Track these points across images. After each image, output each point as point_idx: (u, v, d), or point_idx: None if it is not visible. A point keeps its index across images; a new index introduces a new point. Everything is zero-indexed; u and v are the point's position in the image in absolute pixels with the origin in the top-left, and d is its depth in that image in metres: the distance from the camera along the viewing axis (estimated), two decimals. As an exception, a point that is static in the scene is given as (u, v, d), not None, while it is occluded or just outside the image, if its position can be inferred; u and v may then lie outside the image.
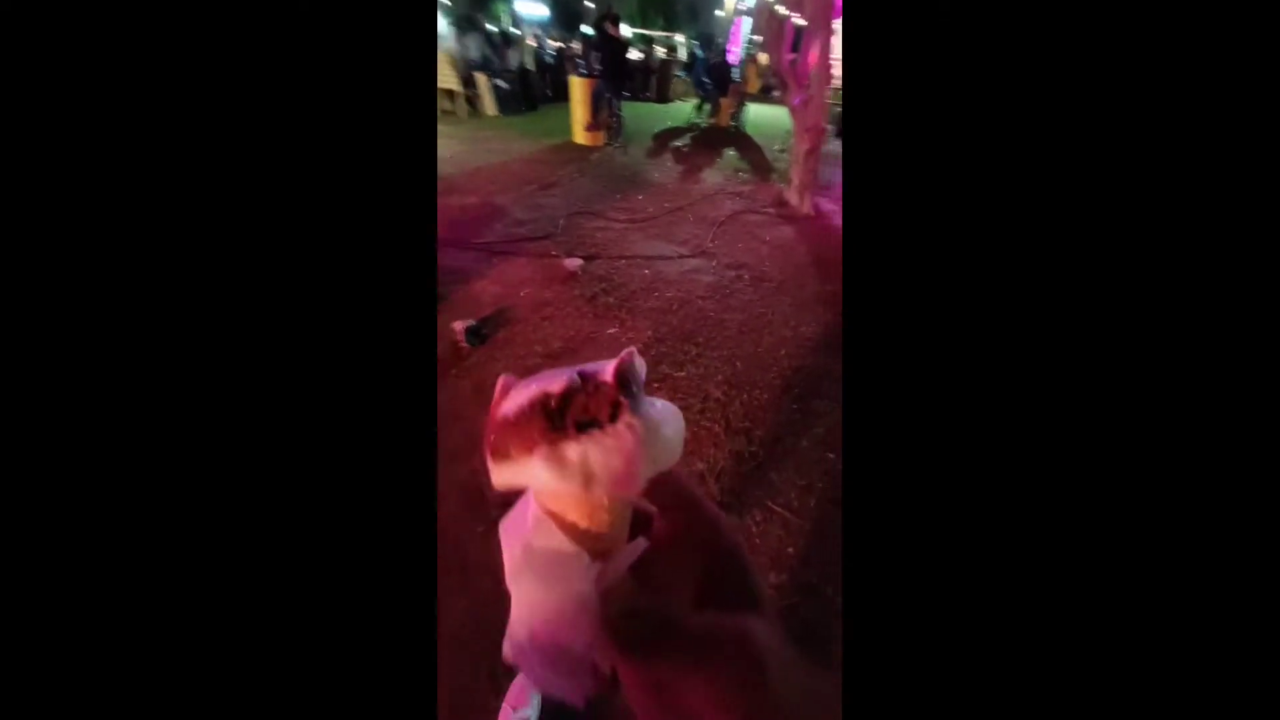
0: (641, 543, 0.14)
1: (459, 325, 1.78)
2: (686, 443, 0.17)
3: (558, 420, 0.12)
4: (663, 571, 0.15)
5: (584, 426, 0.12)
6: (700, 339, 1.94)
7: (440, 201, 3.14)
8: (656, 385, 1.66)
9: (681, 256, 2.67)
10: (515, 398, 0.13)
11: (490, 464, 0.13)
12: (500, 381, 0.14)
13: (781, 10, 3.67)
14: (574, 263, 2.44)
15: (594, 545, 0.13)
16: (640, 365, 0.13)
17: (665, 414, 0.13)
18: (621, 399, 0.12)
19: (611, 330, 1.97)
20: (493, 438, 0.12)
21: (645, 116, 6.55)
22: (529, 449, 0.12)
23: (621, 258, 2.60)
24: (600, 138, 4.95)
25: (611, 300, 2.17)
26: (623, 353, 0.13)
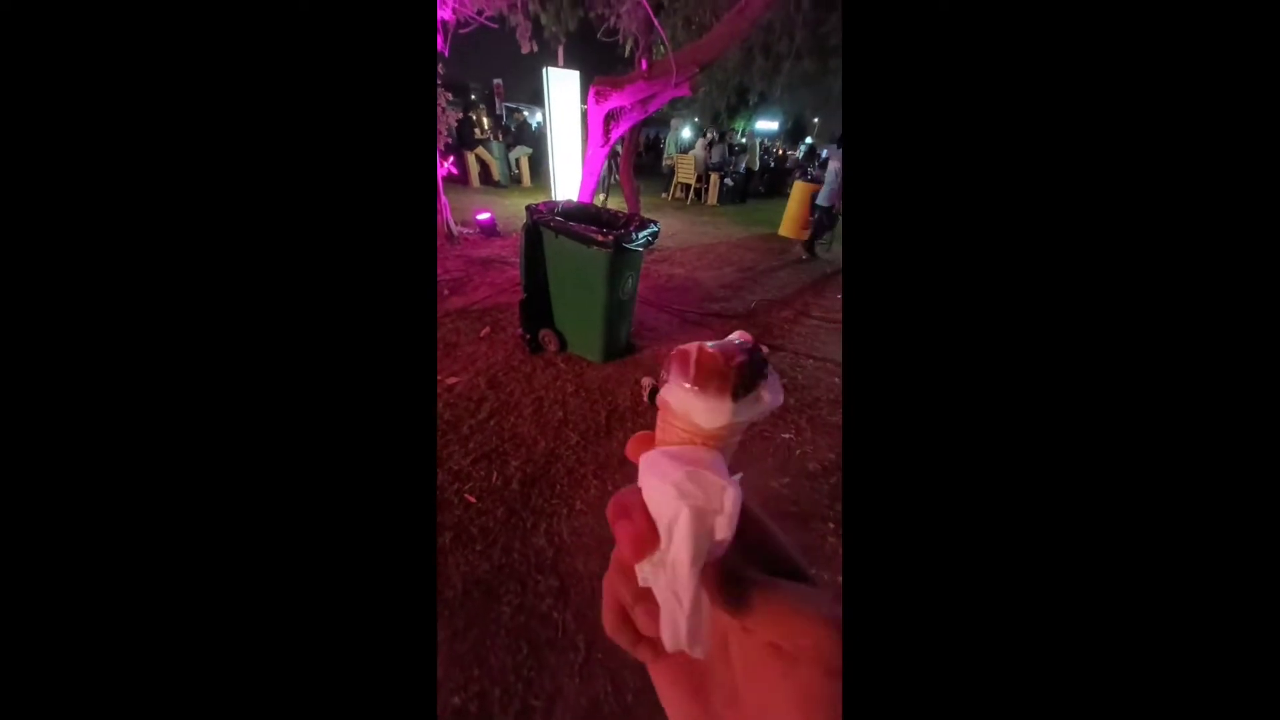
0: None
1: (648, 382, 1.96)
2: None
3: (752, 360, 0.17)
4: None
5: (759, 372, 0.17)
6: (901, 487, 1.56)
7: (652, 269, 3.73)
8: (832, 530, 1.40)
9: (882, 375, 2.32)
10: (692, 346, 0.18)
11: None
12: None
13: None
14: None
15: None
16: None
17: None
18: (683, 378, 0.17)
19: (786, 435, 1.82)
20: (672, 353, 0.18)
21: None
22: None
23: (809, 357, 2.45)
24: (807, 234, 5.07)
25: (792, 401, 2.03)
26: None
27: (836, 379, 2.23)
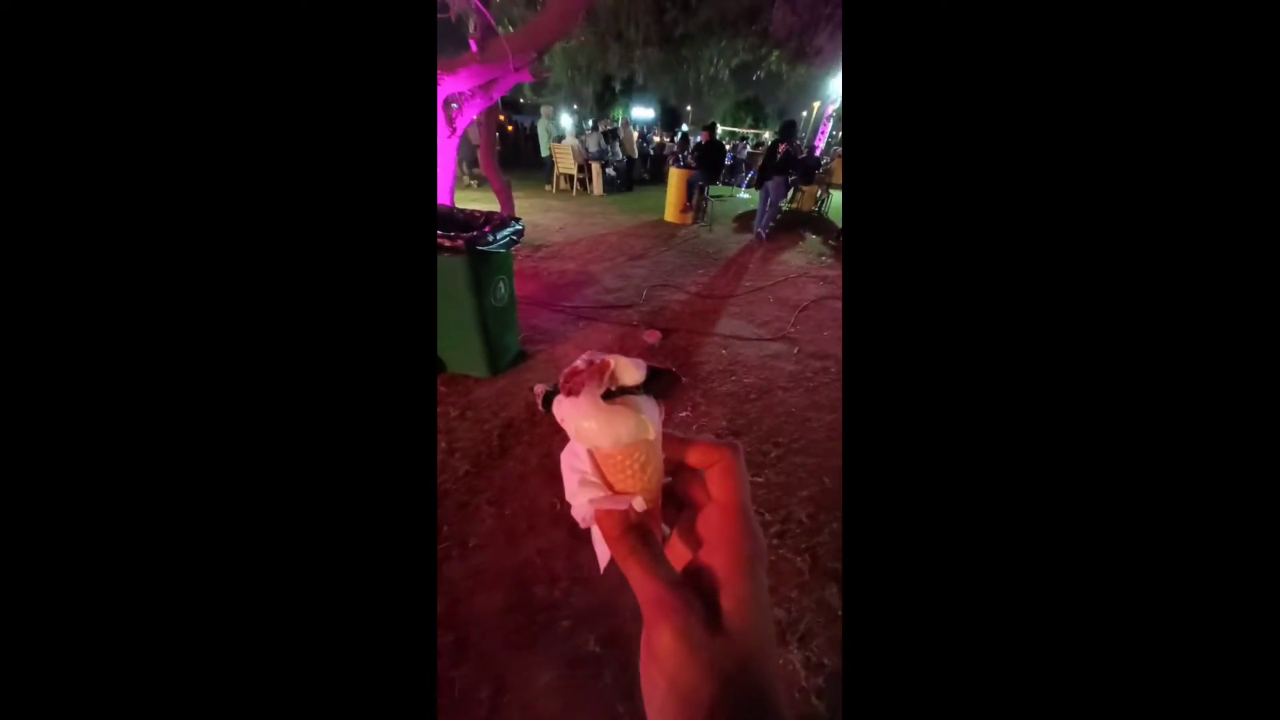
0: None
1: (539, 389, 1.85)
2: (770, 574, 0.21)
3: (562, 383, 0.19)
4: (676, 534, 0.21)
5: (569, 392, 0.19)
6: (782, 439, 1.75)
7: (543, 266, 3.56)
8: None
9: (761, 340, 2.57)
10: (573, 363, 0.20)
11: None
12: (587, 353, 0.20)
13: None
14: (653, 336, 2.48)
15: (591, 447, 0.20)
16: (627, 369, 0.19)
17: (610, 409, 0.18)
18: (586, 384, 0.18)
19: (684, 414, 1.89)
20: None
21: (731, 201, 7.01)
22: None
23: (700, 334, 2.59)
24: (689, 219, 5.35)
25: (686, 379, 2.12)
26: (603, 359, 0.19)
27: (724, 350, 2.40)
